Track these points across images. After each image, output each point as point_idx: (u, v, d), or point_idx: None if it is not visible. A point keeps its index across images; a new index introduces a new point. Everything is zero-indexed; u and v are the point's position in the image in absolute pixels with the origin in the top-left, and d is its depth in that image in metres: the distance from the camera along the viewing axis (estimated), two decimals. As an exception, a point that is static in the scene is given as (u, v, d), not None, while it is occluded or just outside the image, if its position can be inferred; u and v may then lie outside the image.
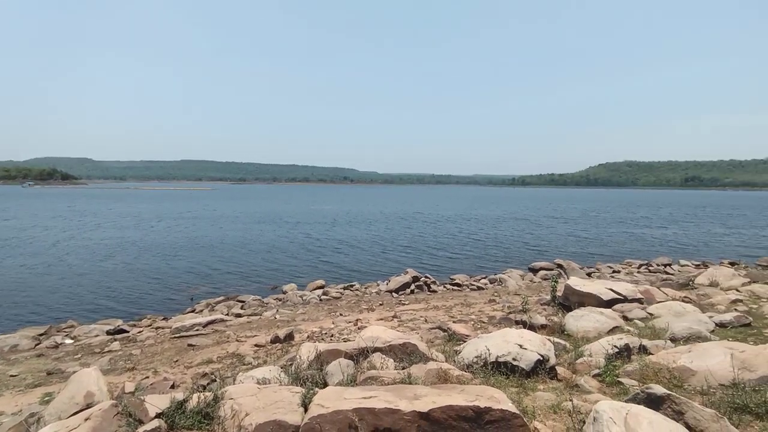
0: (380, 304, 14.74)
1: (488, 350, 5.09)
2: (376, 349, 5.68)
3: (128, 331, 12.32)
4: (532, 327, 8.39)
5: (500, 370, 5.02)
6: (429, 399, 3.44)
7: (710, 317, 7.71)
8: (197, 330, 11.65)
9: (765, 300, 9.30)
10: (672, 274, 18.66)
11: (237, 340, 10.56)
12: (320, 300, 16.07)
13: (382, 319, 12.12)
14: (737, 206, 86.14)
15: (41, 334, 12.15)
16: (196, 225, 41.85)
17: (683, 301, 9.46)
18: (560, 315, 9.53)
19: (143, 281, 19.05)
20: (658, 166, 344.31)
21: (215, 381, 6.25)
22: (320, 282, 18.59)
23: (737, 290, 10.42)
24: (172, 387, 6.78)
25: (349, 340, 8.14)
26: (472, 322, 10.73)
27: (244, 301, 15.86)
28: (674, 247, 30.45)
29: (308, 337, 10.25)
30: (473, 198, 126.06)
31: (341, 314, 13.28)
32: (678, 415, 3.27)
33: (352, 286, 18.27)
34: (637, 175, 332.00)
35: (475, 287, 17.92)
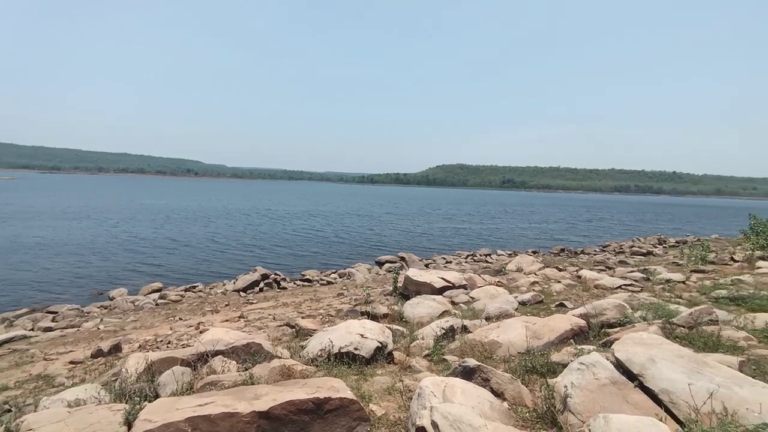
0: (226, 305, 13.95)
1: (332, 342, 5.26)
2: (217, 353, 5.40)
3: None
4: (374, 317, 8.92)
5: (343, 360, 5.23)
6: (270, 397, 3.42)
7: (515, 297, 9.22)
8: (-15, 352, 9.43)
9: (553, 281, 11.51)
10: (491, 263, 21.71)
11: (45, 359, 8.87)
12: (156, 305, 14.48)
13: (227, 321, 11.50)
14: (538, 205, 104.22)
15: None
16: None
17: (497, 285, 11.12)
18: (400, 304, 10.32)
19: None
20: (483, 170, 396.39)
21: (10, 411, 5.18)
22: (156, 285, 16.74)
23: (535, 274, 12.66)
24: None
25: (189, 346, 7.54)
26: (321, 317, 10.90)
27: (57, 312, 13.37)
28: (494, 239, 35.51)
29: (140, 346, 9.15)
30: (325, 194, 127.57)
31: (181, 319, 12.19)
32: (485, 382, 3.87)
33: (194, 287, 16.88)
34: (467, 176, 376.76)
35: (325, 282, 18.21)
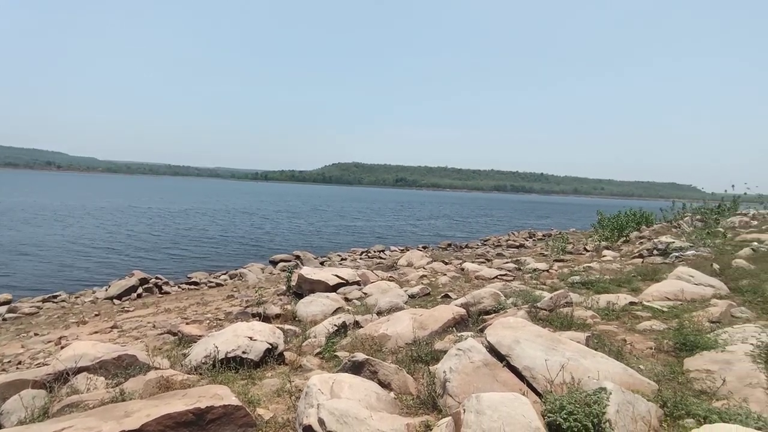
0: (96, 315, 12.41)
1: (217, 348, 4.98)
2: (81, 369, 4.79)
3: None
4: (267, 318, 8.65)
5: (230, 365, 4.98)
6: (143, 413, 3.12)
7: (405, 291, 9.63)
8: None
9: (440, 274, 12.25)
10: (384, 259, 22.39)
11: None
12: (4, 320, 12.33)
13: (97, 332, 10.25)
14: (429, 202, 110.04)
15: None
16: None
17: (389, 280, 11.51)
18: (294, 303, 10.14)
19: None
20: (377, 168, 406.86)
21: None
22: (4, 296, 14.25)
23: (424, 268, 13.37)
24: None
25: (46, 365, 6.55)
26: (208, 321, 10.26)
27: None
28: (388, 236, 36.63)
29: (-22, 371, 7.71)
30: (214, 191, 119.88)
31: (37, 334, 10.56)
32: (373, 375, 3.98)
33: (56, 297, 14.70)
34: (362, 175, 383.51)
35: (214, 284, 17.15)
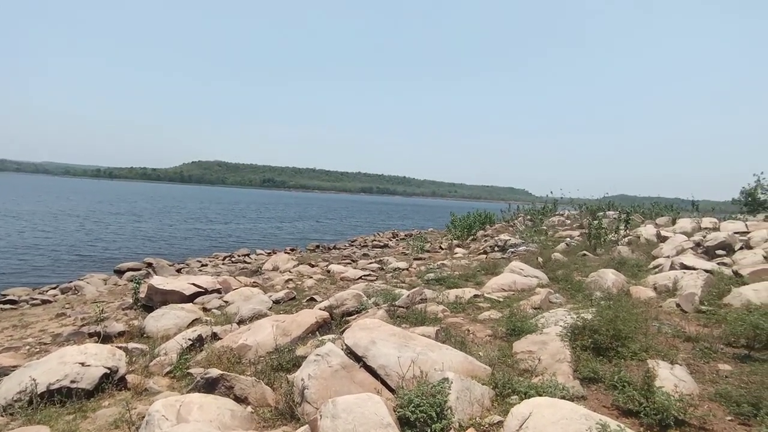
0: None
1: (35, 381, 4.17)
2: None
3: None
4: (107, 337, 7.58)
5: (53, 399, 4.22)
6: None
7: (270, 297, 9.31)
8: None
9: (306, 277, 12.15)
10: (249, 263, 21.33)
11: None
12: None
13: None
14: (296, 204, 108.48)
15: None
16: None
17: (252, 286, 11.01)
18: (142, 318, 9.05)
19: None
20: (243, 168, 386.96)
21: None
22: None
23: (290, 271, 13.11)
24: None
25: None
26: (28, 347, 8.54)
27: None
28: (254, 239, 35.02)
29: None
30: (43, 192, 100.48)
31: None
32: (229, 390, 3.76)
33: None
34: (226, 174, 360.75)
35: (38, 302, 14.29)
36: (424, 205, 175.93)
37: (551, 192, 27.28)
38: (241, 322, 7.38)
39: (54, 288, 16.17)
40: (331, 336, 5.27)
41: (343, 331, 5.67)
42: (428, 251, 18.31)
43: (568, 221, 21.76)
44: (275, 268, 14.06)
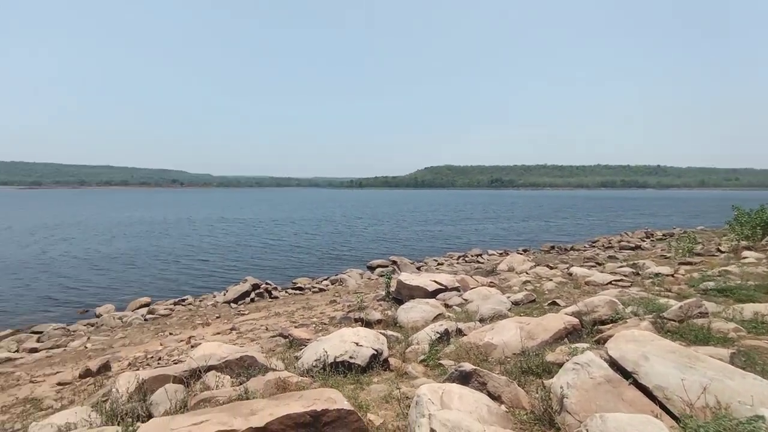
0: (217, 317, 13.81)
1: (326, 352, 5.24)
2: (210, 368, 5.34)
3: None
4: (368, 323, 8.92)
5: (338, 369, 5.21)
6: (266, 412, 3.39)
7: (508, 297, 9.29)
8: (-32, 378, 9.21)
9: (545, 279, 11.61)
10: (482, 263, 21.82)
11: (32, 381, 8.68)
12: (145, 320, 14.28)
13: (219, 333, 11.40)
14: (527, 203, 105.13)
15: None
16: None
17: (489, 286, 11.19)
18: (393, 309, 10.32)
19: None
20: (471, 170, 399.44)
21: (-2, 439, 5.07)
22: (145, 299, 16.53)
23: (527, 273, 12.77)
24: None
25: (181, 362, 7.46)
26: (314, 325, 10.86)
27: (42, 332, 13.09)
28: (485, 239, 35.69)
29: (129, 364, 9.02)
30: (313, 201, 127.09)
31: (171, 333, 12.04)
32: (482, 386, 3.89)
33: (184, 300, 16.69)
34: (455, 177, 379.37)
35: (317, 289, 18.13)
36: (688, 198, 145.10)
37: None
38: (482, 321, 7.58)
39: (325, 279, 20.18)
40: (584, 345, 4.86)
41: (598, 340, 5.17)
42: (699, 254, 14.98)
43: None
44: (510, 269, 13.95)
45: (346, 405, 3.53)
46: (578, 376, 3.38)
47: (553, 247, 27.27)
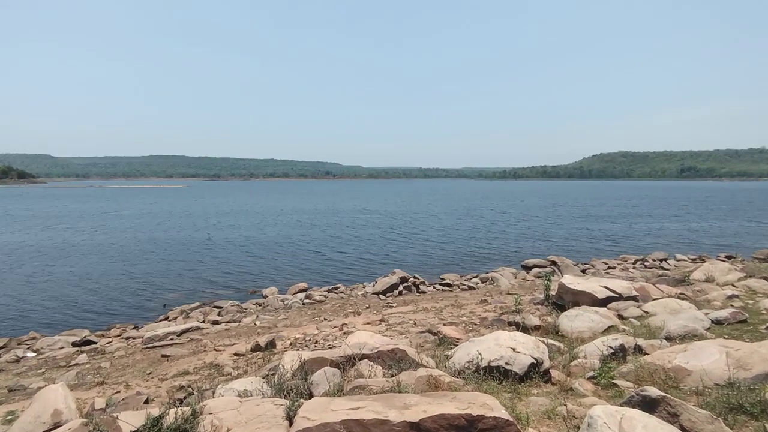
0: (367, 307, 14.80)
1: (480, 355, 5.18)
2: (363, 356, 5.72)
3: (96, 342, 12.17)
4: (525, 328, 8.54)
5: (493, 375, 5.11)
6: (419, 408, 3.50)
7: (706, 314, 7.93)
8: (171, 339, 11.56)
9: (761, 295, 9.61)
10: (668, 270, 19.11)
11: (215, 349, 10.52)
12: (303, 304, 16.08)
13: (368, 323, 12.18)
14: (735, 197, 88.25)
15: (0, 348, 11.92)
16: (165, 225, 41.34)
17: (679, 297, 9.72)
18: (554, 315, 9.70)
19: (111, 288, 18.82)
20: (653, 157, 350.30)
21: (192, 394, 6.23)
22: (302, 285, 18.59)
23: (733, 285, 10.73)
24: (146, 402, 6.74)
25: (335, 347, 8.19)
26: (464, 325, 10.84)
27: (222, 307, 15.77)
28: (670, 241, 31.14)
29: (291, 344, 10.26)
30: (461, 193, 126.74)
31: (325, 319, 13.31)
32: (673, 418, 3.39)
33: (336, 288, 18.31)
34: (632, 166, 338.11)
35: (466, 287, 18.09)
36: None
37: None
38: (669, 339, 6.64)
39: (475, 276, 19.98)
40: (828, 386, 3.89)
41: None
42: None
43: None
44: (709, 279, 11.90)
45: (503, 414, 3.44)
46: (822, 427, 2.71)
47: (772, 255, 22.41)
